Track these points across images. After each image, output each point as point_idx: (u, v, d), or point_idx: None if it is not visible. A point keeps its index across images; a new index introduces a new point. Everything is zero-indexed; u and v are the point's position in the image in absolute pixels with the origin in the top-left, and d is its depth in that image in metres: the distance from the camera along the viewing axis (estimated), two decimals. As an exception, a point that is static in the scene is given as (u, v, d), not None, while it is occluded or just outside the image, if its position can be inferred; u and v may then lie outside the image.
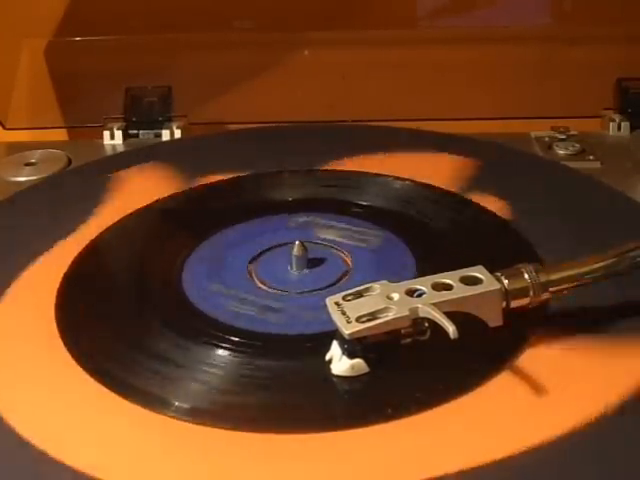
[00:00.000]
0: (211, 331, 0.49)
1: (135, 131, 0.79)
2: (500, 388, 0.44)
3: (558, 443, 0.41)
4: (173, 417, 0.43)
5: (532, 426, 0.42)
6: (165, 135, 0.78)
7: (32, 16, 0.82)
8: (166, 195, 0.64)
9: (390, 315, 0.43)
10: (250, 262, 0.56)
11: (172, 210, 0.63)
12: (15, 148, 0.77)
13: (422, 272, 0.50)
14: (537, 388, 0.44)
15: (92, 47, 0.83)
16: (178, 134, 0.78)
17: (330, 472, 0.40)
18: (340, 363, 0.45)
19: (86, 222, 0.61)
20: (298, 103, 0.83)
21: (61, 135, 0.84)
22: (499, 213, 0.60)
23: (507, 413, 0.42)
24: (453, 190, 0.63)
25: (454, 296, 0.44)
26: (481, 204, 0.61)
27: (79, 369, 0.46)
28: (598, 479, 0.39)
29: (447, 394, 0.43)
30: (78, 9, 0.82)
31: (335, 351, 0.45)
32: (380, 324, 0.43)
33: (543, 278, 0.46)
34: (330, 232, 0.59)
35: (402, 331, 0.44)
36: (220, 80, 0.84)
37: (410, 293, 0.45)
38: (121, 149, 0.77)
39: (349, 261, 0.56)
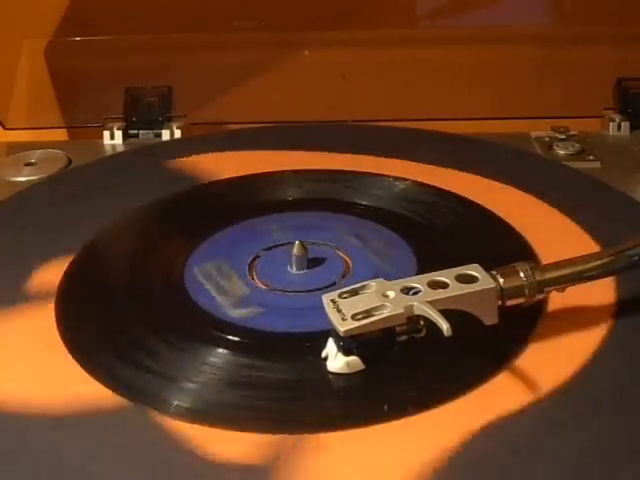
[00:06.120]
0: (211, 330, 0.49)
1: (135, 131, 0.79)
2: (500, 388, 0.44)
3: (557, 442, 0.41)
4: (173, 417, 0.43)
5: (531, 426, 0.42)
6: (165, 135, 0.78)
7: (32, 16, 0.82)
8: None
9: (385, 313, 0.43)
10: (250, 262, 0.56)
11: (172, 210, 0.64)
12: (15, 148, 0.77)
13: (422, 271, 0.50)
14: (536, 388, 0.44)
15: (92, 47, 0.83)
16: (178, 134, 0.78)
17: (330, 472, 0.40)
18: (336, 360, 0.45)
19: (87, 221, 0.61)
20: (298, 103, 0.83)
21: (61, 135, 0.84)
22: (499, 213, 0.60)
23: (506, 413, 0.42)
24: (452, 190, 0.63)
25: (449, 294, 0.44)
26: (481, 204, 0.61)
27: (79, 369, 0.46)
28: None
29: (445, 393, 0.43)
30: (78, 9, 0.82)
31: (331, 348, 0.45)
32: (375, 321, 0.43)
33: (538, 277, 0.46)
34: (330, 232, 0.59)
35: (397, 329, 0.44)
36: (220, 80, 0.84)
37: (406, 291, 0.45)
38: (121, 149, 0.77)
39: (349, 261, 0.56)
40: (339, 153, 0.69)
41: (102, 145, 0.78)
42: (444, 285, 0.45)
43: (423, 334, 0.45)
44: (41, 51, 0.84)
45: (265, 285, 0.54)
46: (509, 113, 0.81)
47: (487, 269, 0.46)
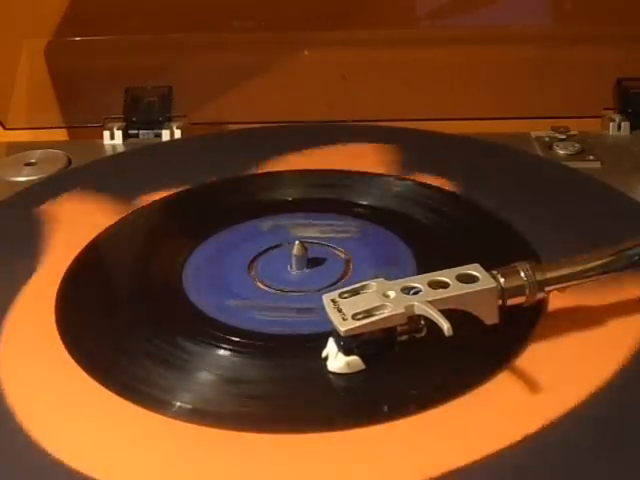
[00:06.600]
0: (211, 331, 0.49)
1: (135, 131, 0.79)
2: (500, 388, 0.44)
3: (557, 442, 0.41)
4: (174, 418, 0.43)
5: (531, 426, 0.42)
6: (165, 135, 0.78)
7: (32, 16, 0.82)
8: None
9: (386, 312, 0.43)
10: (250, 262, 0.56)
11: (172, 210, 0.64)
12: (15, 148, 0.77)
13: (421, 271, 0.50)
14: (536, 388, 0.44)
15: (92, 47, 0.84)
16: (178, 134, 0.78)
17: (330, 472, 0.40)
18: (336, 360, 0.45)
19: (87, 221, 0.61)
20: (298, 103, 0.83)
21: (61, 135, 0.84)
22: (498, 213, 0.60)
23: (506, 413, 0.42)
24: (452, 190, 0.63)
25: (450, 294, 0.44)
26: (481, 203, 0.61)
27: (79, 369, 0.46)
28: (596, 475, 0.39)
29: (444, 393, 0.43)
30: (78, 9, 0.82)
31: (331, 348, 0.45)
32: (376, 321, 0.43)
33: (539, 276, 0.46)
34: (330, 231, 0.59)
35: (397, 328, 0.44)
36: (220, 80, 0.84)
37: (406, 291, 0.45)
38: (121, 149, 0.77)
39: (349, 261, 0.56)
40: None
41: (102, 145, 0.78)
42: (445, 285, 0.45)
43: (424, 334, 0.45)
44: (41, 51, 0.84)
45: (265, 285, 0.54)
46: (509, 113, 0.81)
47: (487, 269, 0.46)
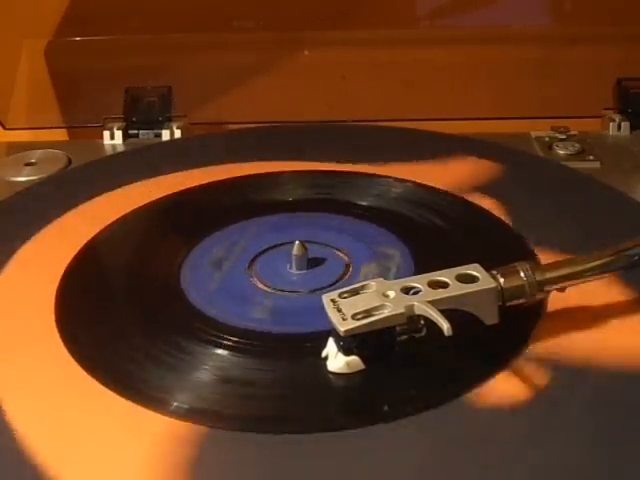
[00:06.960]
0: (210, 331, 0.49)
1: (135, 131, 0.79)
2: (500, 388, 0.44)
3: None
4: (172, 417, 0.43)
5: (531, 425, 0.42)
6: (165, 135, 0.78)
7: (32, 16, 0.82)
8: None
9: (385, 312, 0.43)
10: (250, 262, 0.56)
11: (172, 210, 0.64)
12: (15, 148, 0.77)
13: (420, 271, 0.50)
14: (536, 388, 0.44)
15: (92, 47, 0.84)
16: (178, 134, 0.78)
17: (330, 472, 0.40)
18: (336, 360, 0.45)
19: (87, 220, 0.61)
20: (298, 103, 0.83)
21: (61, 135, 0.84)
22: (498, 213, 0.60)
23: (506, 413, 0.42)
24: (452, 190, 0.63)
25: (450, 294, 0.44)
26: (480, 204, 0.61)
27: (79, 369, 0.46)
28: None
29: (445, 393, 0.43)
30: (78, 9, 0.82)
31: (331, 348, 0.45)
32: (375, 321, 0.43)
33: (539, 276, 0.46)
34: (330, 232, 0.59)
35: (397, 328, 0.44)
36: (220, 80, 0.84)
37: (406, 291, 0.45)
38: (121, 149, 0.77)
39: (349, 261, 0.56)
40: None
41: (102, 145, 0.78)
42: (444, 285, 0.45)
43: (423, 334, 0.45)
44: (41, 51, 0.84)
45: (265, 285, 0.54)
46: (509, 113, 0.81)
47: (487, 269, 0.46)
